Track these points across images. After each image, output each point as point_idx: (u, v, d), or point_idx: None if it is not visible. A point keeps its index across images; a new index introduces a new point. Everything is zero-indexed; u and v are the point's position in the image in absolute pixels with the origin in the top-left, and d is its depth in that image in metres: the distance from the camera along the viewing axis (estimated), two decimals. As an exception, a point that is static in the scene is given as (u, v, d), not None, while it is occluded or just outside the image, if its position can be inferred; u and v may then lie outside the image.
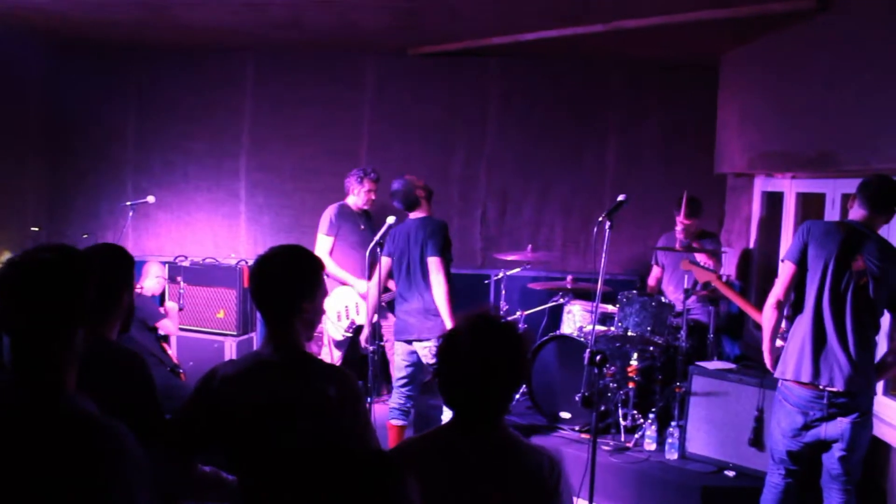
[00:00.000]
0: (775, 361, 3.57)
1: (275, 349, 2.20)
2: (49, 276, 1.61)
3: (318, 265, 2.27)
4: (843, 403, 3.32)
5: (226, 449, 2.19)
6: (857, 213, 3.44)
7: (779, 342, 3.67)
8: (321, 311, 2.32)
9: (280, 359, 2.19)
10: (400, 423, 4.83)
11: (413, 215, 4.79)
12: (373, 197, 5.76)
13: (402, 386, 4.82)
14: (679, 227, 5.54)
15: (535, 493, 1.90)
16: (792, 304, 3.54)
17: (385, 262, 4.85)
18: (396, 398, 4.84)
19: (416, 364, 4.79)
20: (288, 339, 2.21)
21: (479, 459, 1.93)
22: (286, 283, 2.20)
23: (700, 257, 5.17)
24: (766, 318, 3.57)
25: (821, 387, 3.33)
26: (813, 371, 3.34)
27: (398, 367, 4.86)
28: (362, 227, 5.77)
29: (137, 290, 5.62)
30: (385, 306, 5.94)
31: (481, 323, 1.99)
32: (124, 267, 2.49)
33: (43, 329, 1.60)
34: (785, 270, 3.52)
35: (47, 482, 1.50)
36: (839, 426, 3.33)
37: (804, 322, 3.42)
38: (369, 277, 5.60)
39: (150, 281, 5.69)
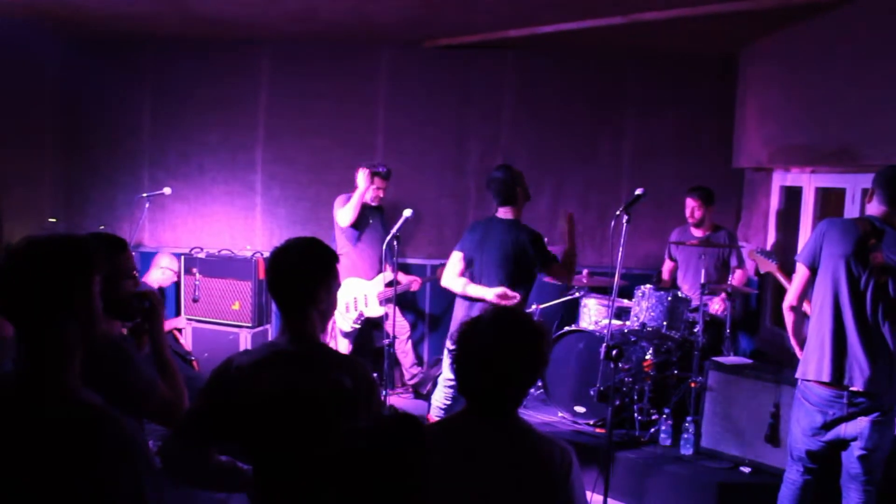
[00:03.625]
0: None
1: (290, 339, 2.21)
2: (46, 266, 1.59)
3: (333, 257, 2.29)
4: (863, 403, 3.27)
5: (241, 438, 2.20)
6: (876, 208, 3.36)
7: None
8: (336, 303, 2.33)
9: (296, 349, 2.19)
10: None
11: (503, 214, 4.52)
12: (381, 194, 5.75)
13: (451, 386, 4.67)
14: (688, 212, 5.56)
15: (545, 482, 1.91)
16: (811, 304, 3.49)
17: (458, 256, 4.52)
18: (442, 397, 4.68)
19: None
20: (304, 329, 2.21)
21: (491, 446, 1.95)
22: (302, 275, 2.21)
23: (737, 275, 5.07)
24: (785, 319, 3.56)
25: (841, 386, 3.29)
26: (833, 371, 3.29)
27: (447, 366, 4.65)
28: (371, 221, 5.76)
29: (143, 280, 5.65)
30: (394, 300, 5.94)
31: (504, 315, 2.02)
32: (114, 255, 2.44)
33: (42, 319, 1.59)
34: (799, 274, 3.48)
35: (54, 474, 1.49)
36: (858, 425, 3.29)
37: (824, 321, 3.36)
38: (378, 270, 5.61)
39: (156, 272, 5.66)
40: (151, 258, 5.86)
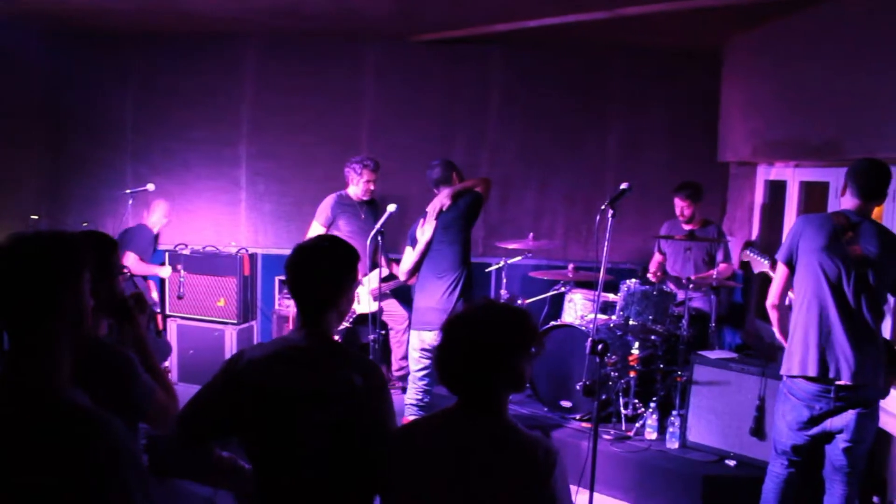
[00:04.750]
0: None
1: (305, 336, 2.21)
2: (34, 264, 1.56)
3: (357, 259, 2.30)
4: (849, 396, 3.28)
5: (245, 432, 2.19)
6: (850, 201, 3.38)
7: None
8: (353, 302, 2.35)
9: (309, 345, 2.20)
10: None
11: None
12: (371, 187, 5.74)
13: (421, 379, 4.70)
14: (677, 211, 5.58)
15: (527, 480, 1.91)
16: (793, 300, 3.50)
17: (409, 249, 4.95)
18: (413, 393, 4.70)
19: None
20: (319, 327, 2.22)
21: (475, 443, 1.95)
22: (327, 276, 2.22)
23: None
24: (771, 318, 3.60)
25: (828, 380, 3.29)
26: (819, 365, 3.29)
27: (414, 359, 4.74)
28: (363, 216, 5.75)
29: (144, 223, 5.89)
30: (389, 293, 5.94)
31: (486, 305, 2.05)
32: (107, 255, 2.42)
33: (30, 318, 1.56)
34: (778, 272, 3.52)
35: (39, 477, 1.47)
36: (844, 418, 3.30)
37: (806, 317, 3.37)
38: (367, 265, 5.59)
39: (157, 216, 5.94)
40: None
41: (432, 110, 6.60)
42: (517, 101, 6.59)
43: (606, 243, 3.95)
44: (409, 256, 4.81)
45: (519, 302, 5.70)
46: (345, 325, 5.67)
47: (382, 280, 5.50)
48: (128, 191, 6.13)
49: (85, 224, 6.19)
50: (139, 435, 2.52)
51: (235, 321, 6.02)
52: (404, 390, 5.98)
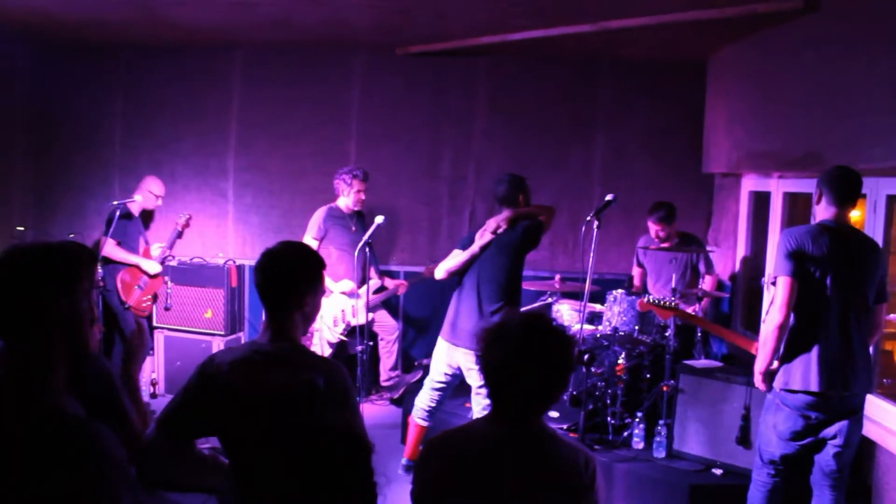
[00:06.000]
0: (769, 378, 3.46)
1: (271, 339, 2.28)
2: (29, 274, 1.59)
3: (321, 263, 2.37)
4: (844, 404, 3.30)
5: (219, 433, 2.25)
6: (826, 210, 3.38)
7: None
8: (319, 306, 2.40)
9: (274, 348, 2.26)
10: (426, 424, 4.65)
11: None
12: (362, 197, 5.75)
13: (436, 390, 4.61)
14: (652, 234, 5.59)
15: (572, 488, 1.93)
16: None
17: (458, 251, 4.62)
18: (427, 399, 4.63)
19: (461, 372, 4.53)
20: (285, 330, 2.29)
21: (518, 452, 1.96)
22: (291, 277, 2.30)
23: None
24: (768, 340, 3.36)
25: (828, 392, 3.28)
26: (821, 379, 3.27)
27: (439, 371, 4.58)
28: (353, 228, 5.76)
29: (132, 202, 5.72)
30: (379, 304, 5.95)
31: (536, 321, 2.01)
32: (81, 267, 2.43)
33: (26, 328, 1.59)
34: (784, 287, 3.30)
35: (30, 483, 1.48)
36: (838, 423, 3.33)
37: (808, 331, 3.34)
38: (359, 277, 5.60)
39: (140, 196, 5.72)
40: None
41: (419, 121, 6.63)
42: (503, 113, 6.63)
43: (592, 254, 3.98)
44: (455, 259, 4.50)
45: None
46: (341, 337, 5.67)
47: (376, 291, 5.51)
48: (115, 202, 6.11)
49: (71, 235, 6.17)
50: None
51: (223, 333, 6.01)
52: (391, 400, 6.00)
